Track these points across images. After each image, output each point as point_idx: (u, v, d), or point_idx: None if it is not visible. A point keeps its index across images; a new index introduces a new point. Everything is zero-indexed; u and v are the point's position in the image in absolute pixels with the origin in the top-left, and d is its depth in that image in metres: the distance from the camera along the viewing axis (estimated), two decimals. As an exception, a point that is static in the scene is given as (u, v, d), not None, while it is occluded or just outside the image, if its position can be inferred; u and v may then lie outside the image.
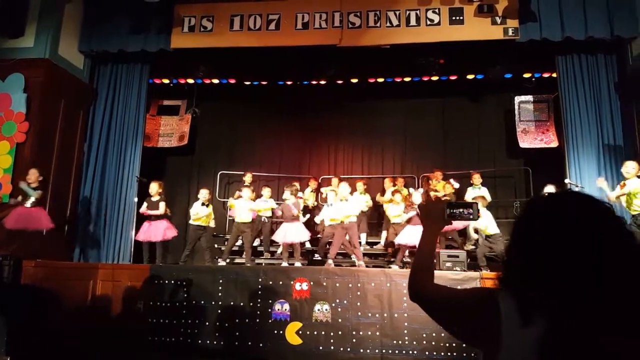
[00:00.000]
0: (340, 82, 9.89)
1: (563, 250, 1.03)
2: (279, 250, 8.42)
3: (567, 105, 7.83)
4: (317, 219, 8.41)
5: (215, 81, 9.98)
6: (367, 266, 7.41)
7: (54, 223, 7.07)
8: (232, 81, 10.06)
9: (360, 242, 8.77)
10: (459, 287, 1.46)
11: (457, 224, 7.90)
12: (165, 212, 7.76)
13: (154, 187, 7.80)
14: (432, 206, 1.60)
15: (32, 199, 6.80)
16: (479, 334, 1.18)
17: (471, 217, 1.56)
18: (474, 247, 8.09)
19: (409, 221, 7.48)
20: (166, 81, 10.12)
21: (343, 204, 7.55)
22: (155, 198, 7.75)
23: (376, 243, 9.14)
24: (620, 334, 0.95)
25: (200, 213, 7.88)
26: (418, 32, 7.71)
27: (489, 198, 8.31)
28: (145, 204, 7.74)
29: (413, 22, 7.72)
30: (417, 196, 7.62)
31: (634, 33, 7.28)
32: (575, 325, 0.98)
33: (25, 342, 3.77)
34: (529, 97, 9.52)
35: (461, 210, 1.55)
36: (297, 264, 7.36)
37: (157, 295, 6.40)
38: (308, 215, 8.86)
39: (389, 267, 7.38)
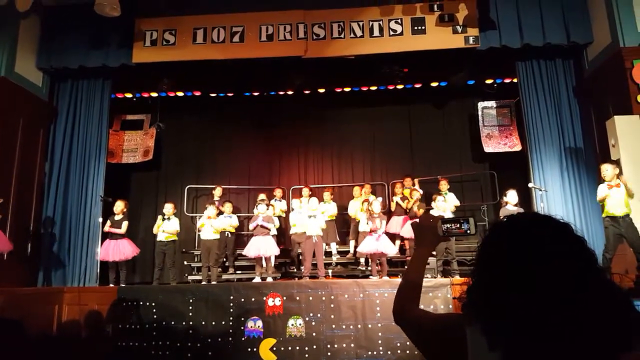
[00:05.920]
0: (307, 92, 9.89)
1: (528, 285, 0.98)
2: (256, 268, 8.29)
3: (529, 109, 8.02)
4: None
5: (180, 94, 9.83)
6: (331, 275, 7.41)
7: (15, 247, 6.82)
8: (197, 94, 9.93)
9: (331, 252, 8.80)
10: (433, 309, 1.44)
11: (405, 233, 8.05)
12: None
13: (120, 206, 7.66)
14: (426, 222, 1.54)
15: None
16: None
17: (468, 231, 1.48)
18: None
19: (371, 230, 7.50)
20: (129, 95, 9.89)
21: (312, 219, 7.56)
22: (118, 217, 7.63)
23: (347, 252, 9.11)
24: None
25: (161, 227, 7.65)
26: (381, 42, 7.78)
27: (457, 202, 8.41)
28: (108, 222, 7.59)
29: (376, 32, 7.78)
30: (377, 205, 7.64)
31: (589, 39, 7.56)
32: None
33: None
34: (492, 103, 9.70)
35: (456, 225, 1.49)
36: (269, 278, 7.28)
37: (125, 317, 6.24)
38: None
39: (368, 278, 7.35)
